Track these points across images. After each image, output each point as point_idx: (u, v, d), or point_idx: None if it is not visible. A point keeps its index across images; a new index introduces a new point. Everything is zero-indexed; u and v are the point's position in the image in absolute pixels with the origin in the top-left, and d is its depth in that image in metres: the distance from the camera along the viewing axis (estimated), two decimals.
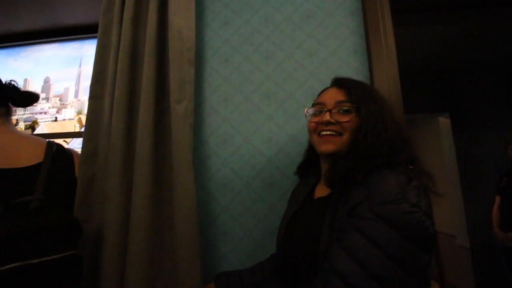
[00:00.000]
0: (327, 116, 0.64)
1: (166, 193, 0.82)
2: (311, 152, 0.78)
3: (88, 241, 0.78)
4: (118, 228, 0.75)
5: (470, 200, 2.60)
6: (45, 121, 1.78)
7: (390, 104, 0.69)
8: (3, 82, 0.75)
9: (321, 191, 0.68)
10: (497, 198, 2.23)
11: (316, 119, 0.67)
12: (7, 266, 0.51)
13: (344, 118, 0.63)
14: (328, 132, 0.64)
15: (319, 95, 0.72)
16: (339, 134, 0.63)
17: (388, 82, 0.95)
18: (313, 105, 0.71)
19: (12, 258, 0.52)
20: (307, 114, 0.71)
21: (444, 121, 2.85)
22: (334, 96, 0.67)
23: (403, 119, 0.92)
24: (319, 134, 0.66)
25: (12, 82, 0.76)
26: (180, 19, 0.90)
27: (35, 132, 1.77)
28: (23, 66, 1.81)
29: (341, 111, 0.64)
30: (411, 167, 0.57)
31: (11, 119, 0.77)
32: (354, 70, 1.00)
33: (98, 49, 0.93)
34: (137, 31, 0.92)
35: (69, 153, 0.82)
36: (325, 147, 0.64)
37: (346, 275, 0.47)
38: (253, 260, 0.89)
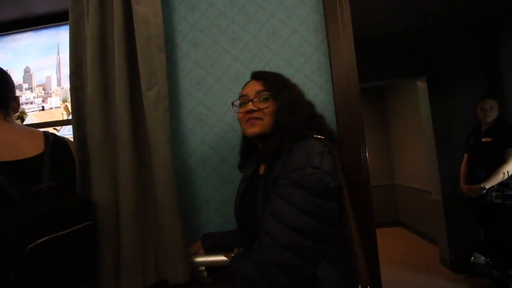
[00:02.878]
0: (250, 105, 0.77)
1: (147, 172, 0.93)
2: (246, 141, 0.90)
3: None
4: (108, 205, 0.88)
5: (443, 158, 2.80)
6: (32, 111, 1.84)
7: (299, 89, 0.83)
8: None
9: (263, 168, 0.82)
10: (465, 156, 2.42)
11: (242, 110, 0.80)
12: (41, 240, 0.64)
13: (264, 105, 0.76)
14: (252, 119, 0.76)
15: (242, 88, 0.84)
16: (261, 119, 0.76)
17: (344, 56, 1.03)
18: (238, 98, 0.83)
19: (43, 233, 0.65)
20: (234, 106, 0.84)
21: (421, 85, 2.96)
22: (253, 87, 0.79)
23: (357, 89, 1.03)
24: (246, 121, 0.78)
25: None
26: (145, 6, 0.95)
27: (24, 122, 1.83)
28: (1, 58, 1.82)
29: (261, 99, 0.76)
30: (321, 136, 0.71)
31: (8, 113, 0.83)
32: (314, 47, 1.08)
33: (71, 42, 0.98)
34: (105, 22, 0.96)
35: (64, 141, 0.91)
36: (251, 130, 0.77)
37: (273, 232, 0.63)
38: (231, 223, 1.03)
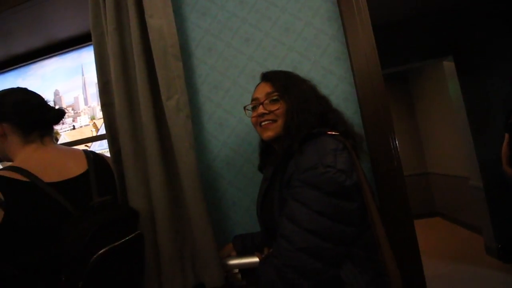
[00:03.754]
0: (261, 109, 0.76)
1: (176, 179, 0.95)
2: (263, 142, 0.89)
3: None
4: (144, 213, 0.91)
5: (480, 141, 2.59)
6: (65, 131, 1.96)
7: (311, 84, 0.79)
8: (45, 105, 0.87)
9: (280, 169, 0.79)
10: (506, 136, 2.23)
11: (254, 114, 0.79)
12: (103, 250, 0.68)
13: (275, 107, 0.74)
14: (265, 122, 0.76)
15: (254, 91, 0.83)
16: (274, 121, 0.75)
17: (363, 44, 0.99)
18: (251, 102, 0.82)
19: (104, 244, 0.70)
20: (247, 111, 0.83)
21: (448, 65, 2.77)
22: (263, 89, 0.78)
23: (380, 76, 0.98)
24: (260, 125, 0.77)
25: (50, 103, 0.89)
26: (158, 19, 0.97)
27: (59, 142, 1.96)
28: (32, 84, 1.96)
29: (271, 101, 0.75)
30: (335, 133, 0.68)
31: (52, 137, 0.90)
32: (330, 37, 1.05)
33: (97, 62, 1.02)
34: (123, 39, 0.99)
35: (102, 156, 0.97)
36: (266, 134, 0.76)
37: (288, 235, 0.61)
38: None
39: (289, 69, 1.06)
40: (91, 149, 1.94)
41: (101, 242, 0.70)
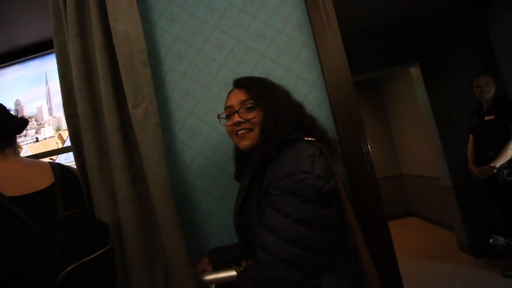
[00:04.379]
0: (236, 118, 0.74)
1: (144, 191, 0.90)
2: (239, 151, 0.87)
3: None
4: (112, 229, 0.85)
5: (447, 142, 2.74)
6: (27, 143, 1.82)
7: (285, 90, 0.79)
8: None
9: (257, 178, 0.77)
10: (470, 137, 2.36)
11: (230, 122, 0.77)
12: (70, 267, 0.64)
13: (250, 115, 0.73)
14: (242, 131, 0.73)
15: (227, 98, 0.81)
16: (250, 129, 0.73)
17: (333, 50, 1.01)
18: (224, 110, 0.79)
19: (71, 260, 0.66)
20: (221, 119, 0.81)
21: (415, 71, 2.92)
22: (237, 97, 0.76)
23: (350, 82, 0.99)
24: (236, 134, 0.75)
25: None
26: (124, 24, 0.93)
27: (20, 155, 1.81)
28: None
29: (246, 109, 0.73)
30: (311, 138, 0.67)
31: (15, 148, 0.84)
32: (301, 44, 1.06)
33: (60, 70, 0.97)
34: (86, 45, 0.94)
35: (70, 169, 0.91)
36: (243, 143, 0.74)
37: (267, 246, 0.58)
38: None
39: (262, 76, 1.06)
40: (56, 162, 1.81)
41: (69, 258, 0.65)
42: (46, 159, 1.79)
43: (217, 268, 0.92)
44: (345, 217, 0.63)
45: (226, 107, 0.78)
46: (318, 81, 1.04)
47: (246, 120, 0.72)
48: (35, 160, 0.88)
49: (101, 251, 0.74)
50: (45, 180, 0.79)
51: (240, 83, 0.79)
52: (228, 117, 0.78)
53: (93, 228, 0.77)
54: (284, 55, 1.06)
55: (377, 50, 2.88)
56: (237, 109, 0.74)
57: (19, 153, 1.78)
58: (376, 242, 0.94)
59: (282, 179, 0.60)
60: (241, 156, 0.88)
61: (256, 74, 1.06)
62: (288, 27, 1.06)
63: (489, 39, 2.67)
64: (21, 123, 0.83)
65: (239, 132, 0.74)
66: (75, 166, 0.96)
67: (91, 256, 0.70)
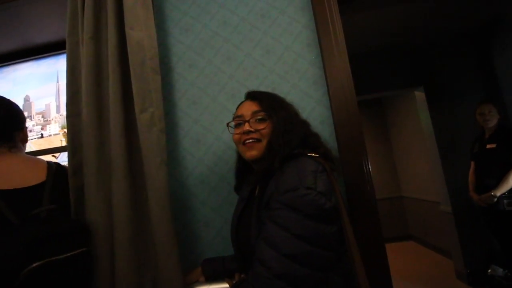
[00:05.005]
0: (247, 126, 0.75)
1: (143, 196, 0.90)
2: (241, 162, 0.88)
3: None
4: (103, 231, 0.84)
5: (449, 167, 2.74)
6: (32, 139, 1.84)
7: (295, 108, 0.81)
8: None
9: (258, 189, 0.78)
10: (472, 164, 2.36)
11: (238, 131, 0.78)
12: (36, 264, 0.62)
13: (261, 126, 0.74)
14: (250, 140, 0.74)
15: (237, 108, 0.82)
16: (259, 140, 0.74)
17: (339, 70, 1.03)
18: (233, 119, 0.81)
19: (39, 257, 0.64)
20: (229, 127, 0.82)
21: (419, 95, 2.96)
22: (249, 107, 0.77)
23: (355, 101, 1.01)
24: (243, 143, 0.76)
25: None
26: (139, 31, 0.96)
27: (25, 151, 1.83)
28: (2, 87, 1.85)
29: (257, 120, 0.75)
30: (315, 155, 0.68)
31: (10, 145, 0.83)
32: (309, 62, 1.08)
33: (69, 71, 0.99)
34: (99, 49, 0.97)
35: (66, 169, 0.91)
36: (250, 153, 0.75)
37: (266, 260, 0.58)
38: None
39: (269, 90, 1.08)
40: (58, 159, 1.82)
41: (36, 255, 0.64)
42: (48, 156, 1.81)
43: (210, 279, 0.91)
44: (344, 236, 0.63)
45: (236, 116, 0.79)
46: (323, 99, 1.06)
47: (256, 130, 0.74)
48: (33, 157, 0.88)
49: (73, 252, 0.72)
50: (37, 178, 0.79)
51: (254, 95, 0.81)
52: (237, 126, 0.79)
53: (69, 228, 0.76)
54: (291, 72, 1.08)
55: (383, 72, 2.93)
56: (248, 118, 0.75)
57: (23, 150, 1.81)
58: (371, 263, 0.93)
59: (284, 193, 0.60)
60: (242, 168, 0.89)
61: (263, 88, 1.08)
62: (297, 45, 1.10)
63: (493, 67, 2.71)
64: (6, 120, 0.82)
65: (247, 142, 0.75)
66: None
67: (62, 256, 0.68)
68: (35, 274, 0.62)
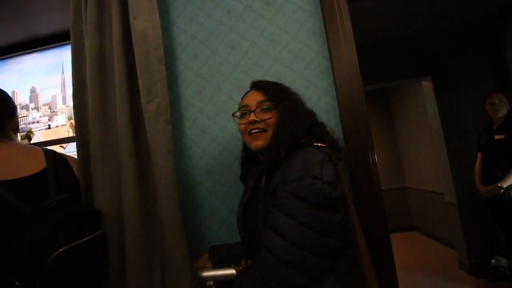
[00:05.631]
0: (252, 116, 0.74)
1: (150, 185, 0.91)
2: (246, 152, 0.88)
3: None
4: (111, 219, 0.87)
5: (455, 159, 2.71)
6: (39, 130, 1.86)
7: (300, 98, 0.80)
8: None
9: (264, 179, 0.79)
10: (479, 155, 2.34)
11: (244, 121, 0.77)
12: (61, 249, 0.65)
13: (267, 116, 0.74)
14: (256, 130, 0.74)
15: (242, 98, 0.82)
16: (265, 130, 0.74)
17: (346, 59, 1.02)
18: (239, 109, 0.81)
19: (62, 243, 0.66)
20: (235, 117, 0.81)
21: (426, 85, 2.91)
22: (254, 97, 0.77)
23: (361, 91, 1.00)
24: (249, 133, 0.76)
25: None
26: (143, 21, 0.95)
27: (31, 141, 1.86)
28: (8, 79, 1.86)
29: (262, 110, 0.74)
30: (321, 144, 0.68)
31: (10, 133, 0.85)
32: (315, 51, 1.07)
33: (74, 61, 0.99)
34: (103, 39, 0.97)
35: (63, 157, 0.92)
36: (256, 143, 0.75)
37: (273, 247, 0.59)
38: (239, 235, 1.00)
39: (274, 80, 1.07)
40: (66, 150, 1.85)
41: (59, 241, 0.66)
42: (57, 147, 1.84)
43: (217, 266, 0.93)
44: (350, 224, 0.63)
45: (242, 106, 0.79)
46: (329, 89, 1.05)
47: (262, 120, 0.73)
48: (27, 145, 0.88)
49: (92, 236, 0.74)
50: (36, 165, 0.79)
51: (259, 85, 0.80)
52: (243, 116, 0.79)
53: (84, 213, 0.78)
54: (297, 61, 1.07)
55: (390, 61, 2.88)
56: (253, 108, 0.75)
57: (30, 140, 1.83)
58: (376, 252, 0.94)
59: (290, 183, 0.61)
60: (248, 158, 0.89)
61: (268, 77, 1.07)
62: (303, 33, 1.08)
63: (503, 58, 2.64)
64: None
65: (253, 132, 0.75)
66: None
67: (82, 240, 0.71)
68: (61, 259, 0.64)
